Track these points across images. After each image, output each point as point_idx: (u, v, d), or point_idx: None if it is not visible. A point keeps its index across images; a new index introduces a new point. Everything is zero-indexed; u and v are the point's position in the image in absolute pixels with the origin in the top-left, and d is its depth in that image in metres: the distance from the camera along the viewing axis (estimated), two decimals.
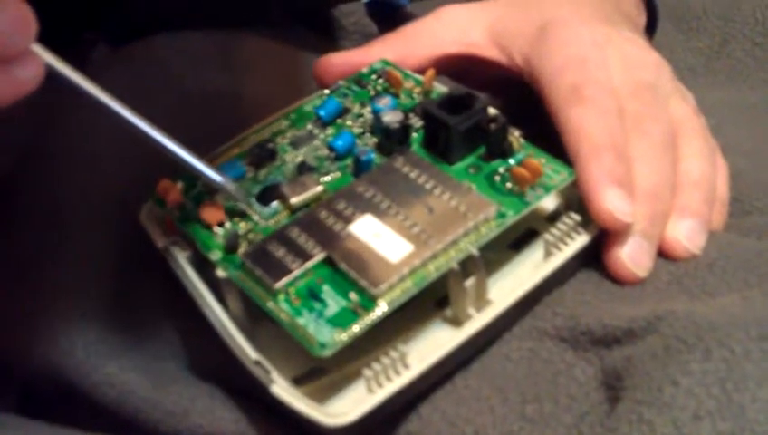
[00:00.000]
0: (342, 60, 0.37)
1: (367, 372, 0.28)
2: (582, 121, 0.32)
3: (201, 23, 0.40)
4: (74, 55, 0.38)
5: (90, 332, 0.32)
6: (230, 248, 0.30)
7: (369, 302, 0.28)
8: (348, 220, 0.30)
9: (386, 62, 0.37)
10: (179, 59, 0.38)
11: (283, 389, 0.28)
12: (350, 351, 0.28)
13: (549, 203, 0.34)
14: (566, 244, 0.31)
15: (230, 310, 0.31)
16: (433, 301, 0.31)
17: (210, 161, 0.33)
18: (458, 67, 0.38)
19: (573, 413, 0.28)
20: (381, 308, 0.28)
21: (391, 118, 0.33)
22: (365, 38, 0.44)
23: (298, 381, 0.30)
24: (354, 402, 0.28)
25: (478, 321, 0.30)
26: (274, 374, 0.29)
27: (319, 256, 0.29)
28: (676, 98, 0.35)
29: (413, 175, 0.32)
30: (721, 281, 0.30)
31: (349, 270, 0.29)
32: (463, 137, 0.32)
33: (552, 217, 0.33)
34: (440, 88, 0.36)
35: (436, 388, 0.30)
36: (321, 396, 0.29)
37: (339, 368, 0.30)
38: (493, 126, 0.32)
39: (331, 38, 0.45)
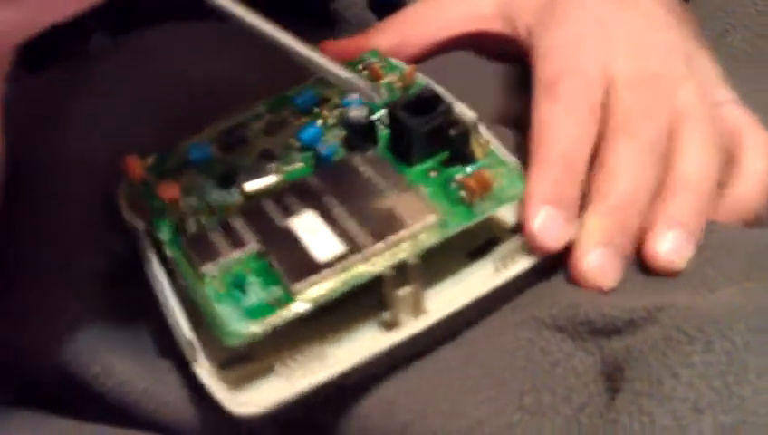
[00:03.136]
0: (337, 48, 0.37)
1: (285, 367, 0.28)
2: (547, 120, 0.31)
3: (200, 13, 0.41)
4: (75, 45, 0.39)
5: (88, 322, 0.32)
6: (177, 229, 0.31)
7: (288, 297, 0.28)
8: (290, 214, 0.30)
9: (374, 54, 0.36)
10: (181, 48, 0.38)
11: (204, 369, 0.29)
12: (279, 342, 0.29)
13: (513, 214, 0.33)
14: (514, 261, 0.30)
15: (179, 288, 0.31)
16: (375, 303, 0.31)
17: (180, 146, 0.34)
18: (466, 45, 0.37)
19: (572, 404, 0.27)
20: (300, 305, 0.28)
21: (357, 113, 0.32)
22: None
23: (225, 365, 0.30)
24: (268, 394, 0.28)
25: (408, 329, 0.29)
26: (200, 355, 0.29)
27: (251, 245, 0.30)
28: (688, 86, 0.33)
29: (367, 174, 0.31)
30: (722, 273, 0.29)
31: (275, 264, 0.29)
32: (423, 139, 0.31)
33: (517, 229, 0.32)
34: (423, 81, 0.35)
35: (431, 379, 0.29)
36: (244, 384, 0.30)
37: (264, 358, 0.30)
38: (452, 131, 0.31)
39: (331, 30, 0.45)
